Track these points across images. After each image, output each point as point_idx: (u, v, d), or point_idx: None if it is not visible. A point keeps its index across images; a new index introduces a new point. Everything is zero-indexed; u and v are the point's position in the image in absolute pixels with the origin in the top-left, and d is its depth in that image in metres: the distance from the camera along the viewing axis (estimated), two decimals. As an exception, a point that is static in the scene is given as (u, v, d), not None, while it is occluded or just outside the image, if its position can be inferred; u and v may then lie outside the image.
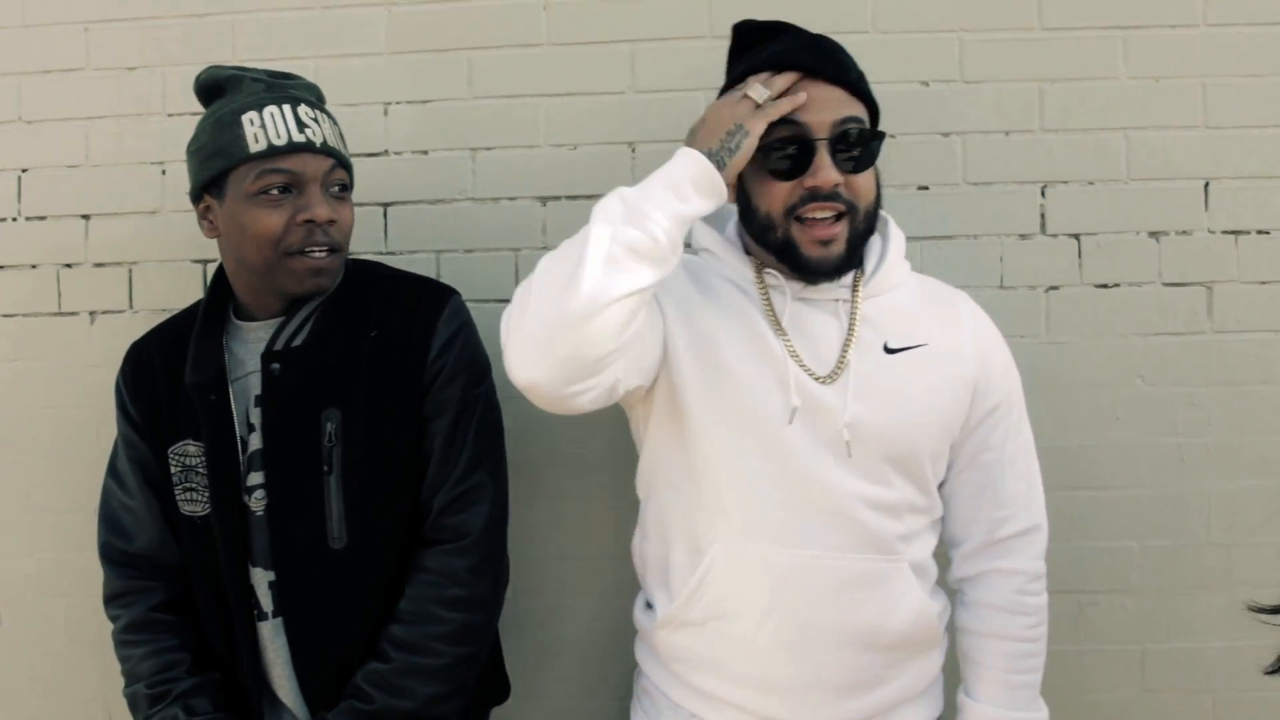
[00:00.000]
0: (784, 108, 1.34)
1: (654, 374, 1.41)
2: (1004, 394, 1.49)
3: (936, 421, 1.43)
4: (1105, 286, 1.84)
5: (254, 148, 1.45)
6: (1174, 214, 1.83)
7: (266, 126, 1.46)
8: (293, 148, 1.46)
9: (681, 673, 1.47)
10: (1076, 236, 1.84)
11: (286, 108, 1.48)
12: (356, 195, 1.76)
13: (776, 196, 1.37)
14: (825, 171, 1.34)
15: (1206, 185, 1.83)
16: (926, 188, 1.84)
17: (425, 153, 1.88)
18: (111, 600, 1.59)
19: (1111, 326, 1.84)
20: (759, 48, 1.46)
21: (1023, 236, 1.84)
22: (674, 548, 1.46)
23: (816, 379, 1.39)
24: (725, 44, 1.80)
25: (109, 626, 1.59)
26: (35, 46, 1.91)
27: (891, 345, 1.43)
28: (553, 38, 1.85)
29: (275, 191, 1.46)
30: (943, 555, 1.54)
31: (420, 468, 1.52)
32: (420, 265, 1.85)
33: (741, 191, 1.44)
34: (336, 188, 1.51)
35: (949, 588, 1.55)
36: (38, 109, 1.92)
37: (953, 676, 1.55)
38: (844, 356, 1.40)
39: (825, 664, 1.39)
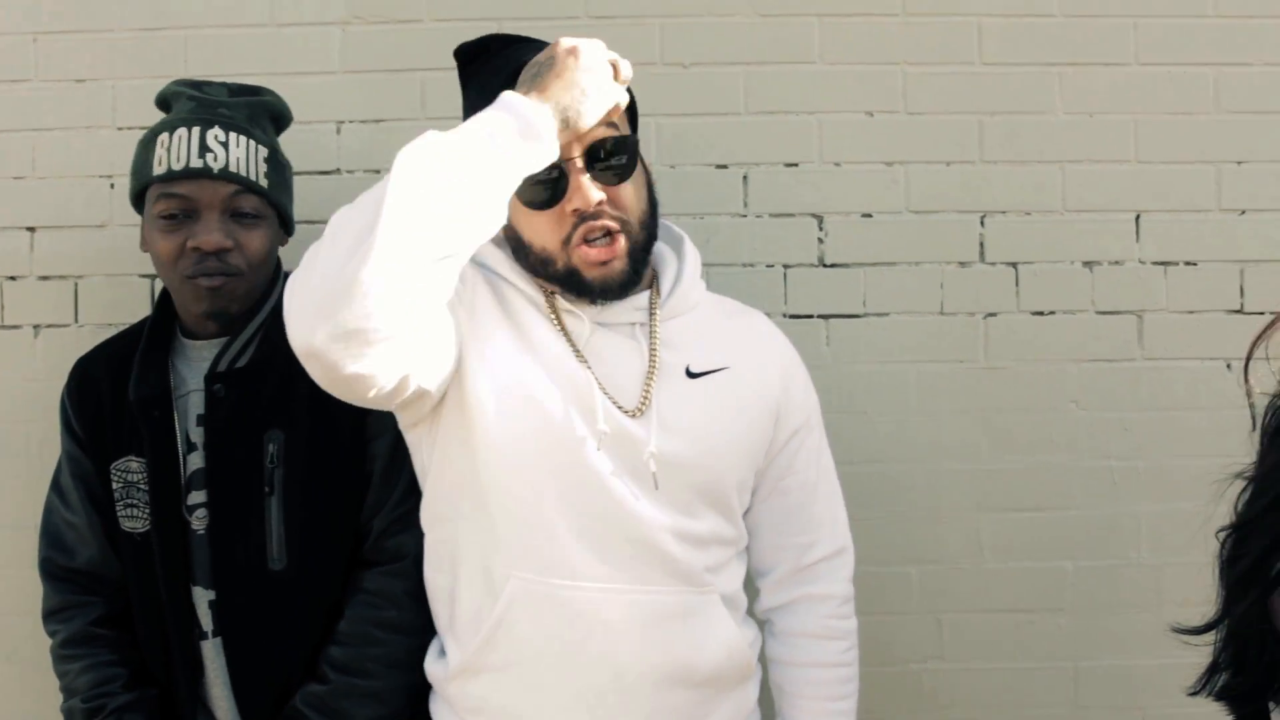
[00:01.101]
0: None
1: (443, 384, 1.28)
2: (805, 416, 1.44)
3: (742, 448, 1.37)
4: (1041, 314, 1.89)
5: (156, 170, 1.46)
6: (1107, 244, 1.89)
7: (171, 149, 1.46)
8: (188, 173, 1.45)
9: None
10: (1014, 265, 1.89)
11: (197, 130, 1.47)
12: (308, 213, 1.76)
13: (546, 229, 1.29)
14: (584, 191, 1.25)
15: (1138, 217, 1.89)
16: (870, 215, 1.88)
17: (378, 171, 1.88)
18: (50, 615, 1.57)
19: (1047, 353, 1.89)
20: (480, 68, 1.37)
21: (962, 264, 1.89)
22: (462, 584, 1.34)
23: (623, 411, 1.30)
24: (675, 71, 1.86)
25: (44, 643, 1.57)
26: (-18, 57, 1.89)
27: (694, 369, 1.36)
28: (506, 61, 1.87)
29: (171, 216, 1.46)
30: (749, 587, 1.49)
31: (362, 490, 1.52)
32: (371, 283, 1.85)
33: (509, 228, 1.34)
34: (241, 213, 1.49)
35: (758, 619, 1.50)
36: (-16, 119, 1.90)
37: (767, 711, 1.52)
38: (648, 387, 1.32)
39: (637, 708, 1.29)
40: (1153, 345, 1.89)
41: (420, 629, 1.50)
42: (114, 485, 1.54)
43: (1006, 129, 1.88)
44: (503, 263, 1.38)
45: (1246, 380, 0.92)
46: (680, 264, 1.43)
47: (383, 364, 1.10)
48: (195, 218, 1.46)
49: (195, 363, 1.54)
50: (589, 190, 1.25)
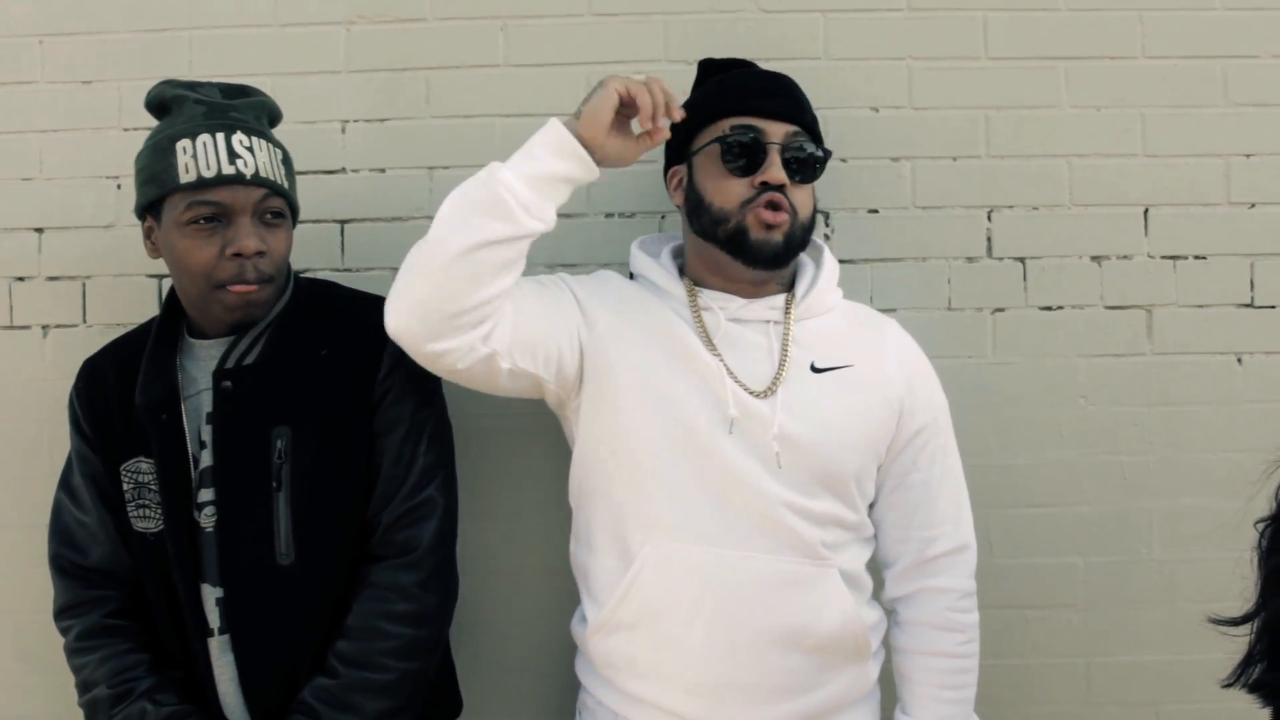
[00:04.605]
0: (637, 85, 1.40)
1: (554, 368, 1.47)
2: (930, 417, 1.55)
3: (861, 440, 1.49)
4: (1049, 309, 1.89)
5: (184, 178, 1.45)
6: (1115, 239, 1.88)
7: (198, 156, 1.45)
8: (221, 180, 1.45)
9: (614, 679, 1.50)
10: (1021, 260, 1.88)
11: (220, 136, 1.47)
12: (313, 212, 1.77)
13: (732, 192, 1.48)
14: (776, 170, 1.47)
15: (1146, 211, 1.88)
16: (876, 211, 1.88)
17: (382, 171, 1.89)
18: (63, 612, 1.57)
19: (1055, 348, 1.88)
20: (714, 81, 1.60)
21: (969, 259, 1.88)
22: (598, 553, 1.51)
23: (750, 393, 1.45)
24: (680, 68, 1.85)
25: (56, 642, 1.57)
26: (-11, 59, 1.90)
27: (818, 365, 1.50)
28: (510, 59, 1.88)
29: (204, 222, 1.46)
30: (878, 576, 1.57)
31: (369, 484, 1.53)
32: (377, 282, 1.84)
33: (693, 190, 1.54)
34: (270, 216, 1.51)
35: (885, 608, 1.58)
36: (-9, 121, 1.91)
37: (889, 697, 1.58)
38: (778, 374, 1.47)
39: (753, 665, 1.42)
40: (1162, 340, 1.89)
41: (433, 618, 1.53)
42: (125, 486, 1.54)
43: (1013, 123, 1.88)
44: (652, 268, 1.58)
45: None
46: (817, 271, 1.58)
47: (458, 343, 1.36)
48: (228, 223, 1.47)
49: (204, 362, 1.55)
50: (780, 170, 1.47)
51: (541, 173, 1.37)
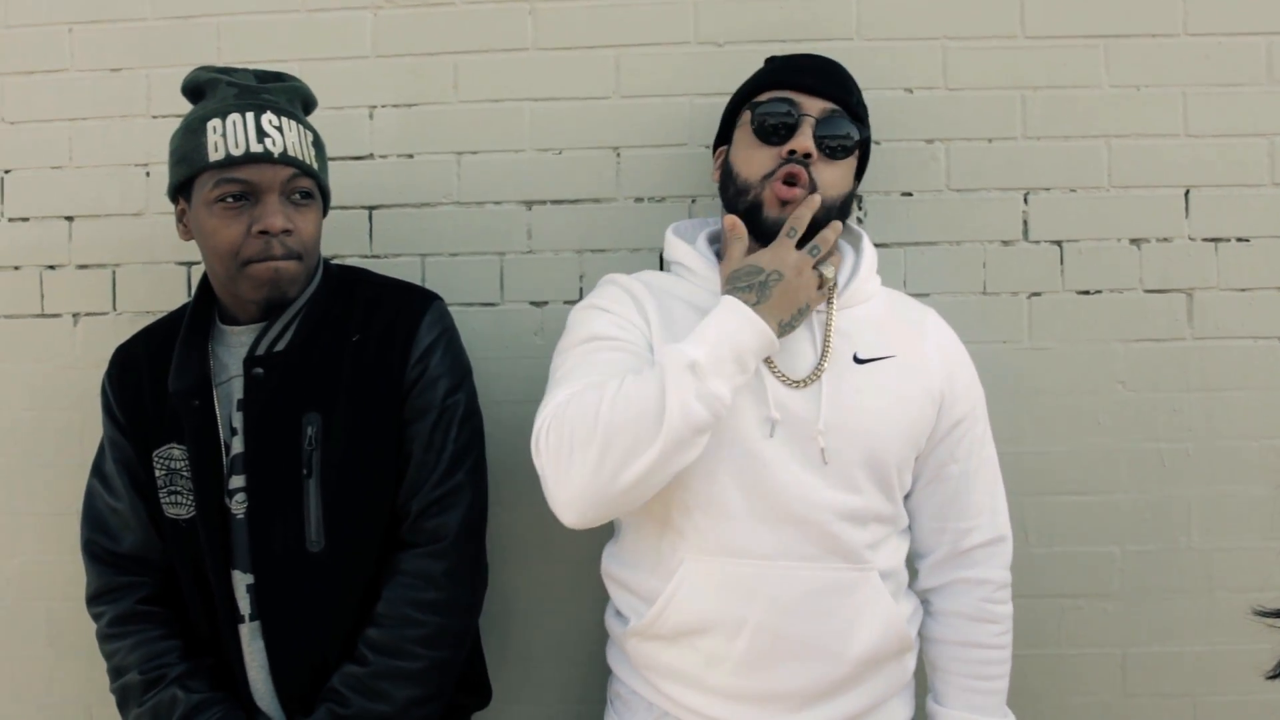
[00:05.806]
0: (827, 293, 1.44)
1: None
2: (969, 407, 1.53)
3: (904, 431, 1.46)
4: (1087, 293, 1.85)
5: (213, 156, 1.46)
6: (1155, 221, 1.84)
7: (227, 135, 1.46)
8: (249, 158, 1.45)
9: (652, 679, 1.48)
10: (1059, 243, 1.85)
11: (250, 115, 1.47)
12: (341, 198, 1.76)
13: (757, 163, 1.47)
14: (803, 139, 1.45)
15: (1187, 193, 1.84)
16: (910, 194, 1.85)
17: (410, 156, 1.88)
18: (96, 598, 1.58)
19: (1093, 333, 1.85)
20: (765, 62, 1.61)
21: (1005, 243, 1.85)
22: (631, 566, 1.50)
23: (792, 383, 1.43)
24: (710, 50, 1.84)
25: (91, 629, 1.58)
26: (19, 47, 1.90)
27: (861, 355, 1.47)
28: (538, 42, 1.86)
29: (231, 200, 1.46)
30: (911, 566, 1.55)
31: (399, 472, 1.52)
32: (405, 269, 1.85)
33: (727, 164, 1.54)
34: (298, 195, 1.50)
35: (919, 597, 1.56)
36: (21, 109, 1.91)
37: (923, 683, 1.56)
38: (820, 364, 1.44)
39: (797, 674, 1.40)
40: (1203, 324, 1.85)
41: (460, 609, 1.53)
42: (157, 472, 1.55)
43: (1050, 104, 1.84)
44: (689, 255, 1.55)
45: None
46: (858, 259, 1.55)
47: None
48: (255, 202, 1.47)
49: (235, 348, 1.55)
50: (808, 140, 1.45)
51: (749, 381, 1.36)
